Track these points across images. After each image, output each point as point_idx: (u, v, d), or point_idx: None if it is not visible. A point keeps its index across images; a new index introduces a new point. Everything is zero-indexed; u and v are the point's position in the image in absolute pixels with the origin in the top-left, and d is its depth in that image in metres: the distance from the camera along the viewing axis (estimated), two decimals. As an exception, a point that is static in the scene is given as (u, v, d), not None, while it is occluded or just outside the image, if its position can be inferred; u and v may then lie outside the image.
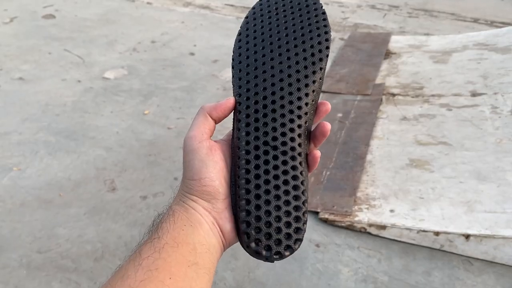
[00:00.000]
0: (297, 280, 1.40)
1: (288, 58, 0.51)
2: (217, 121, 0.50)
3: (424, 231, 1.49)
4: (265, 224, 0.45)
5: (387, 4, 4.12)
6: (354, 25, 3.58)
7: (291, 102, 0.49)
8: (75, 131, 2.13)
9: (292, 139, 0.48)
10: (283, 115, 0.48)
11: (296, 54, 0.51)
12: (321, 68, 0.51)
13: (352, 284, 1.39)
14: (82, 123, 2.19)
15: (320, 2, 0.56)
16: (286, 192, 0.46)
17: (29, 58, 2.85)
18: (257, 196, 0.46)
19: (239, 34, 0.55)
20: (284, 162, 0.47)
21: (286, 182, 0.47)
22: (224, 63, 2.82)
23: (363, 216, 1.57)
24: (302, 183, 0.47)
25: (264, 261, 0.46)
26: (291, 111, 0.49)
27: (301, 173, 0.47)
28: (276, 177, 0.47)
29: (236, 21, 3.58)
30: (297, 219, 0.46)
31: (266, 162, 0.47)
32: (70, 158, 1.94)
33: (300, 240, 0.45)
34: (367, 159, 1.87)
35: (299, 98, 0.49)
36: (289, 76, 0.50)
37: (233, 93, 0.51)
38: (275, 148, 0.47)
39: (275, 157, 0.47)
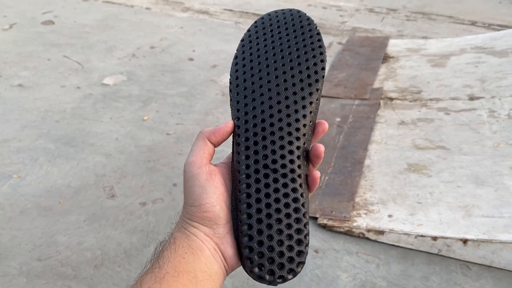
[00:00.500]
0: (296, 287, 1.41)
1: (285, 81, 0.51)
2: (216, 145, 0.51)
3: (422, 236, 1.50)
4: (268, 249, 0.46)
5: (385, 7, 4.13)
6: (352, 29, 3.59)
7: (289, 124, 0.49)
8: (75, 137, 2.14)
9: (292, 161, 0.48)
10: (281, 138, 0.49)
11: (293, 76, 0.51)
12: (317, 89, 0.51)
13: (350, 290, 1.40)
14: (82, 129, 2.20)
15: (315, 22, 0.56)
16: (288, 215, 0.47)
17: (28, 64, 2.86)
18: (259, 221, 0.46)
19: (236, 57, 0.55)
20: (285, 185, 0.48)
21: (287, 205, 0.47)
22: (223, 68, 2.84)
23: (361, 222, 1.58)
24: (303, 205, 0.47)
25: (268, 284, 0.46)
26: (290, 133, 0.49)
27: (301, 195, 0.48)
28: (277, 200, 0.47)
29: (235, 26, 3.59)
30: (299, 242, 0.46)
31: (267, 185, 0.48)
32: (69, 165, 1.95)
33: (303, 263, 0.46)
34: (366, 163, 1.88)
35: (297, 120, 0.50)
36: (286, 98, 0.50)
37: (231, 116, 0.52)
38: (275, 171, 0.48)
39: (276, 180, 0.48)
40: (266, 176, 0.48)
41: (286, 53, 0.53)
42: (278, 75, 0.52)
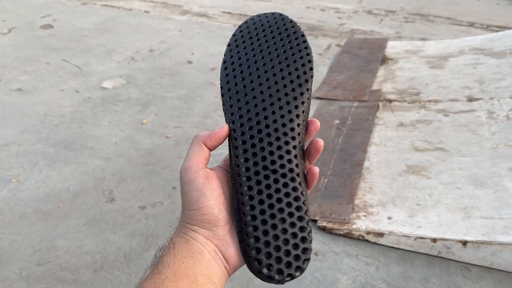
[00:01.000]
0: (296, 289, 1.41)
1: (276, 83, 0.52)
2: (211, 149, 0.51)
3: (421, 238, 1.50)
4: (275, 249, 0.46)
5: (383, 9, 4.14)
6: (351, 31, 3.60)
7: (284, 125, 0.50)
8: (74, 141, 2.14)
9: (290, 161, 0.49)
10: (278, 138, 0.50)
11: (283, 78, 0.52)
12: (307, 89, 0.52)
13: (350, 292, 1.40)
14: (81, 133, 2.20)
15: (298, 25, 0.57)
16: (291, 214, 0.48)
17: (27, 68, 2.86)
18: (264, 222, 0.47)
19: (224, 62, 0.56)
20: (285, 185, 0.48)
21: (289, 204, 0.48)
22: (222, 71, 2.84)
23: (361, 224, 1.58)
24: (304, 203, 0.48)
25: (276, 284, 0.47)
26: (285, 133, 0.50)
27: (301, 193, 0.49)
28: (279, 200, 0.48)
29: (234, 29, 3.59)
30: (303, 239, 0.47)
31: (268, 186, 0.48)
32: (69, 169, 1.95)
33: (308, 259, 0.47)
34: (365, 165, 1.88)
35: (291, 120, 0.50)
36: (279, 99, 0.51)
37: (226, 120, 0.52)
38: (274, 171, 0.49)
39: (276, 181, 0.48)
40: (267, 177, 0.48)
41: (273, 55, 0.54)
42: (268, 77, 0.52)
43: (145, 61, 3.00)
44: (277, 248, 0.46)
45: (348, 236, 1.57)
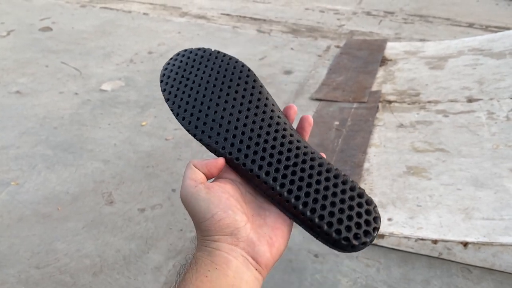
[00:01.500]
0: (296, 291, 1.40)
1: (234, 99, 0.54)
2: (208, 176, 0.50)
3: (422, 239, 1.49)
4: (347, 218, 0.46)
5: (383, 10, 4.14)
6: (350, 32, 3.60)
7: (269, 125, 0.52)
8: (73, 144, 2.13)
9: (298, 148, 0.50)
10: (275, 138, 0.51)
11: (236, 92, 0.54)
12: (261, 86, 0.55)
13: (351, 294, 1.39)
14: (80, 135, 2.20)
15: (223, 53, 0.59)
16: (335, 185, 0.48)
17: (26, 71, 2.86)
18: (315, 201, 0.47)
19: (168, 100, 0.56)
20: (311, 167, 0.49)
21: (327, 179, 0.48)
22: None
23: (361, 225, 1.57)
24: (337, 171, 0.49)
25: (351, 251, 0.46)
26: (277, 130, 0.51)
27: (328, 164, 0.50)
28: (318, 182, 0.48)
29: (232, 31, 3.59)
30: (368, 203, 0.47)
31: (301, 178, 0.49)
32: (68, 171, 1.94)
33: (379, 217, 0.47)
34: (365, 167, 1.88)
35: (271, 117, 0.52)
36: (248, 109, 0.53)
37: (216, 155, 0.52)
38: (295, 164, 0.49)
39: (303, 170, 0.49)
40: (294, 173, 0.49)
41: (212, 79, 0.56)
42: (226, 99, 0.54)
43: (144, 63, 2.99)
44: (350, 218, 0.46)
45: (349, 237, 1.56)
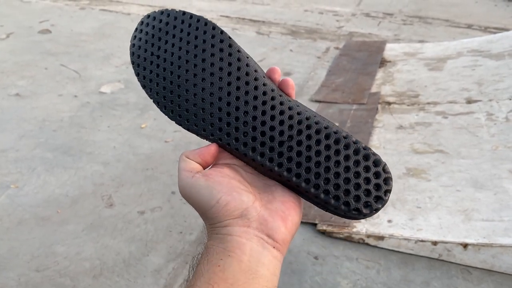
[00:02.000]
0: (296, 294, 1.40)
1: (212, 74, 0.48)
2: (203, 165, 0.47)
3: (422, 241, 1.49)
4: (354, 187, 0.43)
5: (381, 12, 4.14)
6: (349, 33, 3.60)
7: (255, 98, 0.47)
8: (72, 146, 2.13)
9: (291, 117, 0.46)
10: (264, 112, 0.47)
11: (212, 65, 0.48)
12: (238, 51, 0.48)
13: (351, 296, 1.39)
14: (79, 138, 2.20)
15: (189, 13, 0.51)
16: (339, 153, 0.44)
17: (25, 73, 2.86)
18: (327, 169, 0.44)
19: (145, 86, 0.51)
20: (308, 137, 0.46)
21: (328, 147, 0.45)
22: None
23: (361, 227, 1.57)
24: (337, 135, 0.45)
25: (363, 217, 0.43)
26: (264, 102, 0.47)
27: (326, 129, 0.45)
28: (317, 153, 0.45)
29: (232, 32, 3.59)
30: (375, 163, 0.44)
31: (299, 153, 0.45)
32: (67, 174, 1.94)
33: (391, 178, 0.44)
34: (364, 169, 1.87)
35: (256, 87, 0.47)
36: (229, 84, 0.47)
37: (209, 141, 0.49)
38: (290, 138, 0.46)
39: (299, 143, 0.45)
40: (282, 144, 0.46)
41: (190, 57, 0.49)
42: (204, 77, 0.48)
43: (144, 66, 2.99)
44: (357, 186, 0.43)
45: (348, 239, 1.57)
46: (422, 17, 4.00)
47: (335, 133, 0.45)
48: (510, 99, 2.20)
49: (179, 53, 0.49)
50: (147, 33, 0.51)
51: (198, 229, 1.64)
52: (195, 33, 0.49)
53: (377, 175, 0.44)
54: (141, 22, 0.52)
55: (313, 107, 2.42)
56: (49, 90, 2.66)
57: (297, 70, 2.91)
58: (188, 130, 0.48)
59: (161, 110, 0.50)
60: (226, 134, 0.47)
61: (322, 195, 0.44)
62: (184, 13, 0.50)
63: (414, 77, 2.65)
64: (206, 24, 0.49)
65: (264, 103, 0.47)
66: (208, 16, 4.01)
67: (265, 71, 0.50)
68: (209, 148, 0.47)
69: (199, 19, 0.49)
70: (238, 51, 0.48)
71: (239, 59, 0.48)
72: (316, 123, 0.46)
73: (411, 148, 1.98)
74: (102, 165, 2.00)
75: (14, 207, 1.76)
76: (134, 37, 0.52)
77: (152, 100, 0.50)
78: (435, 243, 1.48)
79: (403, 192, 1.71)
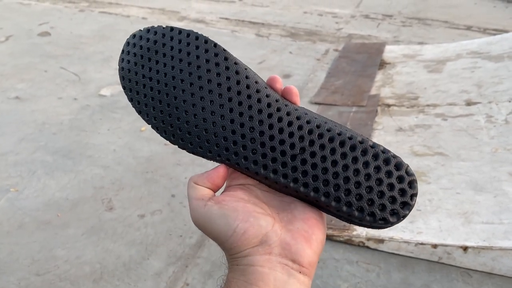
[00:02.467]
0: (297, 297, 1.40)
1: (210, 91, 0.45)
2: (214, 189, 0.45)
3: (422, 243, 1.49)
4: (378, 196, 0.41)
5: (381, 13, 4.15)
6: (348, 35, 3.60)
7: (260, 111, 0.44)
8: (72, 150, 2.13)
9: (301, 127, 0.43)
10: (271, 126, 0.44)
11: (210, 82, 0.45)
12: (235, 63, 0.46)
13: (351, 300, 1.39)
14: (79, 141, 2.20)
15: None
16: (357, 160, 0.42)
17: (25, 76, 2.86)
18: (343, 183, 0.41)
19: (140, 112, 0.47)
20: (322, 147, 0.42)
21: (344, 156, 0.42)
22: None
23: (361, 230, 1.58)
24: (353, 142, 0.42)
25: (391, 226, 0.41)
26: (270, 115, 0.44)
27: (339, 136, 0.42)
28: (334, 163, 0.42)
29: (231, 35, 3.60)
30: (397, 167, 0.41)
31: (314, 166, 0.43)
32: (67, 177, 1.94)
33: (415, 179, 0.41)
34: (364, 171, 1.88)
35: (259, 100, 0.45)
36: (230, 100, 0.45)
37: (218, 162, 0.46)
38: (302, 150, 0.43)
39: (313, 154, 0.43)
40: (294, 158, 0.43)
41: (185, 75, 0.46)
42: (202, 95, 0.45)
43: (143, 68, 2.99)
44: (380, 194, 0.41)
45: (349, 242, 1.57)
46: (421, 18, 4.01)
47: (350, 139, 0.42)
48: (510, 101, 2.21)
49: (172, 73, 0.46)
50: (135, 54, 0.48)
51: (198, 232, 1.64)
52: (187, 49, 0.46)
53: (400, 179, 0.41)
54: (127, 43, 0.49)
55: (313, 109, 2.43)
56: (49, 93, 2.66)
57: (296, 72, 2.91)
58: (193, 153, 0.46)
59: (161, 135, 0.47)
60: (234, 153, 0.44)
61: (344, 208, 0.41)
62: (172, 28, 0.47)
63: (413, 79, 2.65)
64: (197, 38, 0.46)
65: (269, 116, 0.44)
66: (208, 18, 4.01)
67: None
68: (217, 171, 0.45)
69: (189, 33, 0.46)
70: (235, 63, 0.45)
71: (237, 72, 0.45)
72: (328, 130, 0.43)
73: (410, 151, 1.98)
74: (102, 168, 2.00)
75: (14, 210, 1.76)
76: (122, 59, 0.49)
77: (150, 126, 0.47)
78: (435, 246, 1.48)
79: (403, 195, 1.71)
